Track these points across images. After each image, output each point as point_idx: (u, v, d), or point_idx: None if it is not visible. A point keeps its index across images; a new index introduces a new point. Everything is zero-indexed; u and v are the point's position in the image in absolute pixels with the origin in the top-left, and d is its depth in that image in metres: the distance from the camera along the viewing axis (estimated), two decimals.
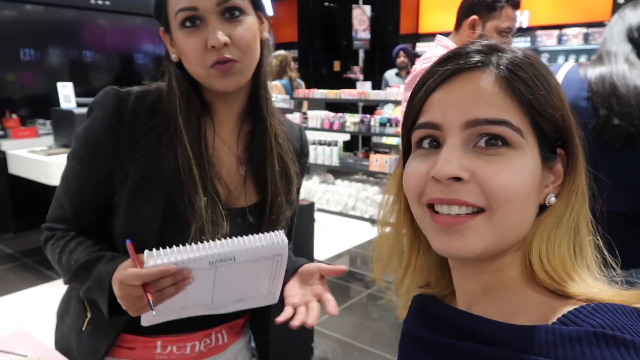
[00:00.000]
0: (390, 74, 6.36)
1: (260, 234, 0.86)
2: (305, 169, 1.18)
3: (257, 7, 0.95)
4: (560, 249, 0.55)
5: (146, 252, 0.81)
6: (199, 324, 0.99)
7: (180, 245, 0.82)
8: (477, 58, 0.56)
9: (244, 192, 1.02)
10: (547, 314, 0.52)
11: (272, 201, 1.02)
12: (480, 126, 0.53)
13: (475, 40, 0.59)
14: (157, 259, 0.79)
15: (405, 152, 0.63)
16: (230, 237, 0.90)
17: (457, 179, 0.53)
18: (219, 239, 0.85)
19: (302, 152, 1.15)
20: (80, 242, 0.96)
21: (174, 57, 0.95)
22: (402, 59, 6.25)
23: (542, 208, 0.58)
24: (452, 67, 0.56)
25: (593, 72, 1.33)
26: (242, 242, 0.83)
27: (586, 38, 7.13)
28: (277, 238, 0.85)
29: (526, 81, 0.54)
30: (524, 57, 0.57)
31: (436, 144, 0.57)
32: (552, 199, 0.57)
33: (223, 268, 0.84)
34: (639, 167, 1.29)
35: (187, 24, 0.89)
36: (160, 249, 0.81)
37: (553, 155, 0.57)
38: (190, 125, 0.94)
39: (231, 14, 0.89)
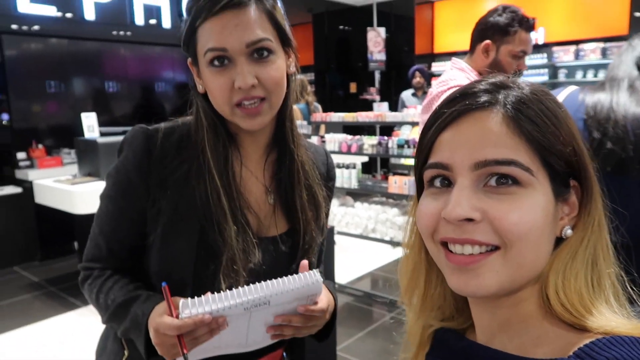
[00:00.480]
0: (406, 95, 6.39)
1: (295, 275, 0.85)
2: (333, 191, 1.19)
3: (285, 43, 0.96)
4: (577, 283, 0.54)
5: (181, 301, 0.81)
6: (242, 356, 0.98)
7: (215, 293, 0.82)
8: (484, 98, 0.56)
9: (274, 221, 1.03)
10: (565, 348, 0.51)
11: (304, 231, 1.03)
12: (489, 167, 0.54)
13: (482, 79, 0.60)
14: (192, 308, 0.80)
15: (419, 187, 0.64)
16: (263, 266, 0.91)
17: (469, 219, 0.53)
18: (254, 276, 0.85)
19: (328, 175, 1.16)
20: (116, 280, 0.97)
21: (200, 88, 0.97)
22: (418, 79, 6.28)
23: (561, 240, 0.57)
24: (459, 107, 0.57)
25: (592, 98, 1.33)
26: (277, 285, 0.83)
27: (604, 53, 7.07)
28: (312, 278, 0.85)
29: (533, 119, 0.55)
30: (531, 94, 0.57)
31: (447, 183, 0.57)
32: (568, 232, 0.57)
33: (258, 312, 0.84)
34: (633, 191, 1.27)
35: (216, 62, 0.90)
36: (195, 297, 0.81)
37: (566, 189, 0.57)
38: (218, 156, 0.96)
39: (260, 54, 0.90)
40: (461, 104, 0.57)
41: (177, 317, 0.81)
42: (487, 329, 0.61)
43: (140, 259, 0.99)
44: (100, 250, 0.99)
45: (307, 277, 0.85)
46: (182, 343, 0.80)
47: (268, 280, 0.84)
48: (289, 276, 0.85)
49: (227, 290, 0.83)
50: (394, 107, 6.32)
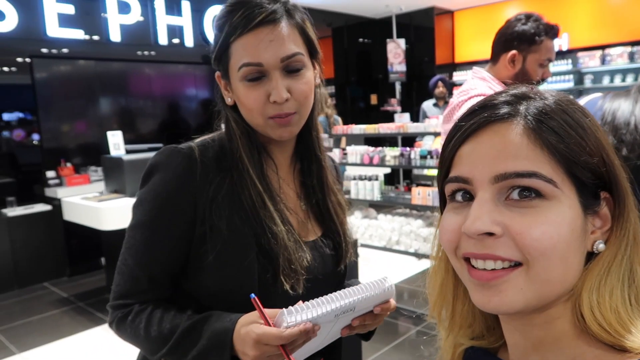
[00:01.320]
0: (427, 105, 6.36)
1: (370, 282, 0.89)
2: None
3: (313, 55, 0.99)
4: (612, 300, 0.51)
5: (283, 311, 0.80)
6: None
7: (305, 301, 0.83)
8: (504, 110, 0.54)
9: (310, 226, 1.06)
10: None
11: (343, 233, 1.07)
12: (509, 179, 0.52)
13: (503, 91, 0.58)
14: (296, 315, 0.80)
15: (442, 200, 0.62)
16: (316, 264, 0.97)
17: (490, 234, 0.51)
18: (311, 274, 0.90)
19: (337, 179, 1.19)
20: (165, 310, 0.93)
21: (229, 101, 0.99)
22: (440, 89, 6.25)
23: (594, 255, 0.54)
24: (478, 120, 0.55)
25: (611, 104, 1.30)
26: (360, 290, 0.86)
27: (632, 57, 6.91)
28: (386, 284, 0.90)
29: (556, 130, 0.52)
30: (555, 104, 0.54)
31: (469, 197, 0.56)
32: (601, 246, 0.54)
33: (344, 317, 0.87)
34: None
35: (250, 77, 0.92)
36: (293, 307, 0.81)
37: (596, 201, 0.54)
38: (254, 162, 0.98)
39: (292, 68, 0.93)
40: (480, 116, 0.55)
41: (274, 326, 0.81)
42: (520, 349, 0.58)
43: (179, 286, 0.97)
44: (139, 282, 0.94)
45: (382, 283, 0.90)
46: (286, 352, 0.79)
47: (347, 288, 0.86)
48: (365, 283, 0.88)
49: (317, 299, 0.83)
50: (415, 118, 6.28)
